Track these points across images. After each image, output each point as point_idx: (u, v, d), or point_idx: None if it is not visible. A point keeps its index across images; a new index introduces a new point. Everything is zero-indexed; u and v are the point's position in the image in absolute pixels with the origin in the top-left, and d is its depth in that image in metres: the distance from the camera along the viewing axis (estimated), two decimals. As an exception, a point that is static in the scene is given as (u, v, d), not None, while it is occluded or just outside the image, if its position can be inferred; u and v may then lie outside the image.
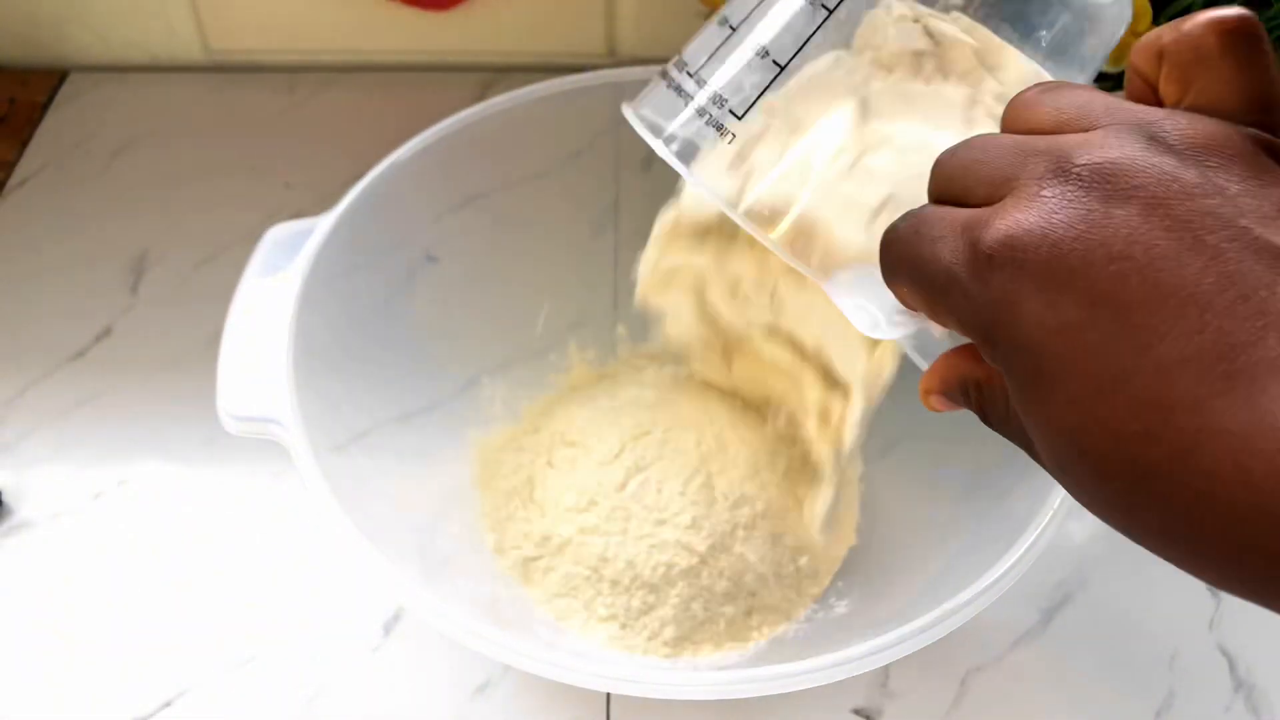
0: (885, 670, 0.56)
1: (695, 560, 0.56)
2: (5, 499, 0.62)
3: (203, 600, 0.59)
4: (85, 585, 0.59)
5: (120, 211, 0.78)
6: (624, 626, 0.56)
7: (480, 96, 0.69)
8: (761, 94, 0.39)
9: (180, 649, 0.57)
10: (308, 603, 0.59)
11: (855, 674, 0.44)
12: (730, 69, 0.40)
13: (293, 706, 0.55)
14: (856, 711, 0.55)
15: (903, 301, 0.32)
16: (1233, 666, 0.57)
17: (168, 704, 0.55)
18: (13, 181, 0.80)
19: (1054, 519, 0.48)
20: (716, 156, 0.40)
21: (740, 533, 0.57)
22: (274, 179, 0.78)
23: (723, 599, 0.56)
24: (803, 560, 0.58)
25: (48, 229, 0.77)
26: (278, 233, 0.58)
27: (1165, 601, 0.59)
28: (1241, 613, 0.58)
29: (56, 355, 0.69)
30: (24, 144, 0.82)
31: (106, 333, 0.71)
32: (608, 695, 0.55)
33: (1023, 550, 0.47)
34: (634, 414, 0.61)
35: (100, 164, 0.81)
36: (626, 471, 0.58)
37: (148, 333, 0.71)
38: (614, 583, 0.56)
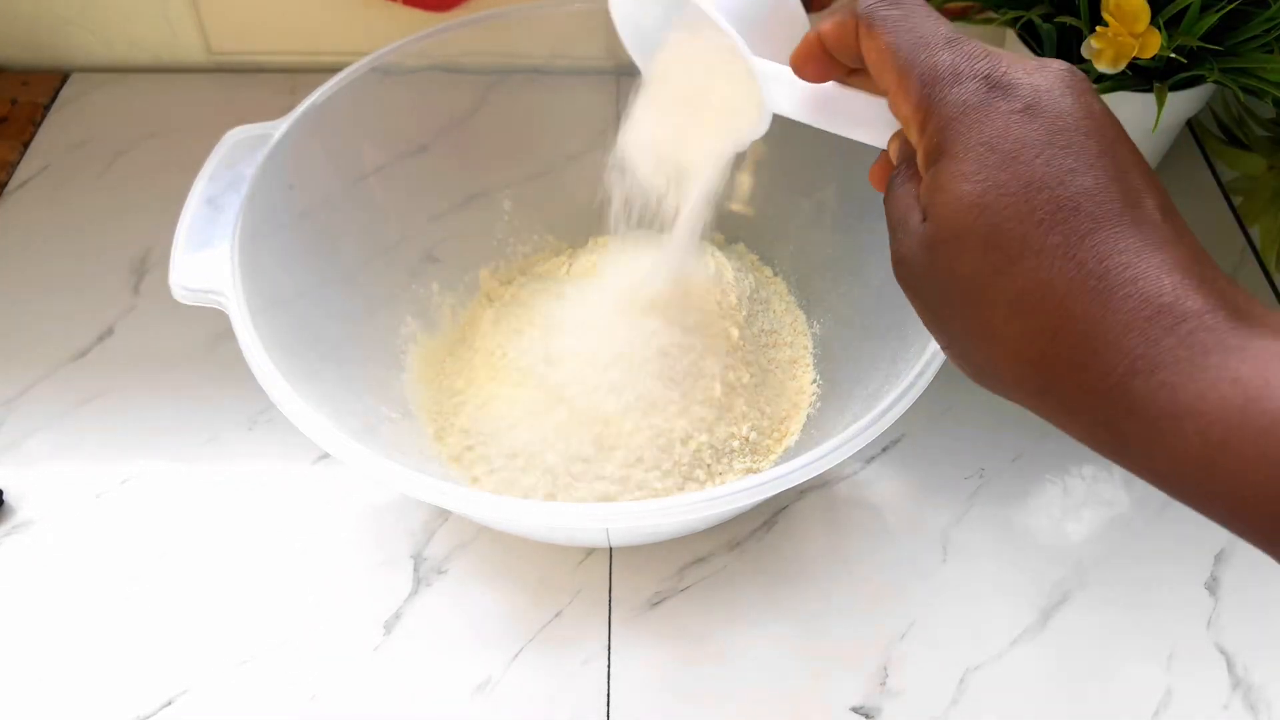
0: (884, 669, 0.57)
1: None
2: (7, 498, 0.62)
3: (204, 599, 0.59)
4: (87, 584, 0.60)
5: (122, 212, 0.78)
6: (549, 496, 0.60)
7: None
8: None
9: (181, 648, 0.57)
10: (309, 601, 0.59)
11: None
12: None
13: (294, 705, 0.55)
14: (855, 709, 0.55)
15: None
16: (1230, 665, 0.57)
17: (169, 703, 0.55)
18: (14, 182, 0.80)
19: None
20: None
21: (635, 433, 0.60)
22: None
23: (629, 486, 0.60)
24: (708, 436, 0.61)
25: (49, 229, 0.77)
26: (238, 134, 0.61)
27: (1162, 600, 0.59)
28: (1239, 611, 0.59)
29: (58, 355, 0.70)
30: (25, 145, 0.83)
31: (109, 333, 0.71)
32: (608, 689, 0.56)
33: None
34: (557, 329, 0.64)
35: (102, 164, 0.82)
36: (543, 389, 0.61)
37: (149, 333, 0.71)
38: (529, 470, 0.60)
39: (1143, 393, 0.30)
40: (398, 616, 0.58)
